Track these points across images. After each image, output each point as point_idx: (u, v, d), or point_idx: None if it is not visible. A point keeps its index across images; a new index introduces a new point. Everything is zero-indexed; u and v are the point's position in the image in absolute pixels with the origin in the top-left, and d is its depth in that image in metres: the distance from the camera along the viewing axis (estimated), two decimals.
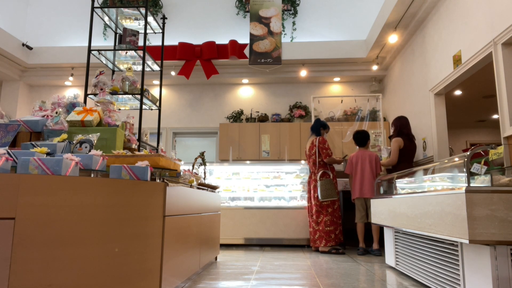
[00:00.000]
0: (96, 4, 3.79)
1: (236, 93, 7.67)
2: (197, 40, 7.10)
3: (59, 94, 3.56)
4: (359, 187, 4.82)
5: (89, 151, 2.08)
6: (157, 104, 3.97)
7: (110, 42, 7.29)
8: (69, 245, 1.59)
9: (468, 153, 2.12)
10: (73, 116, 2.61)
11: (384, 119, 6.99)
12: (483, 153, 2.45)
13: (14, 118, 3.51)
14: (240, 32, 7.21)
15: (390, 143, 4.90)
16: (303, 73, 6.97)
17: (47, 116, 2.50)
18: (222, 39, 7.08)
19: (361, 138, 5.01)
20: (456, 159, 2.31)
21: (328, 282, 3.02)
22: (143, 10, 3.67)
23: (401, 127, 4.79)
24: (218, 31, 7.26)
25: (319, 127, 5.19)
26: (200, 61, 6.89)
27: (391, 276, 3.31)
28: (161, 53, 4.37)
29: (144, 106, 3.78)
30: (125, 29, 3.65)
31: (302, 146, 6.90)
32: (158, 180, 2.34)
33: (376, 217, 3.76)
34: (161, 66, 4.17)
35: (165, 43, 6.66)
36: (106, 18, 3.82)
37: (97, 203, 1.73)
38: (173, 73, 7.06)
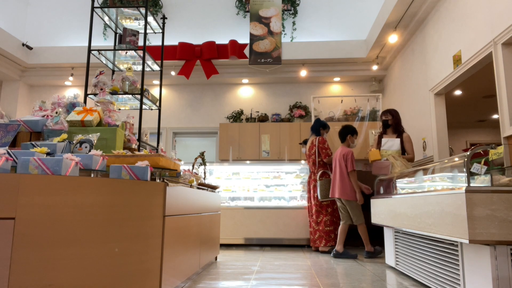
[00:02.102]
0: (96, 4, 3.79)
1: (236, 93, 7.67)
2: (197, 40, 7.10)
3: (59, 94, 3.56)
4: (332, 186, 4.68)
5: (89, 151, 2.08)
6: (157, 104, 3.97)
7: (110, 42, 7.29)
8: (69, 245, 1.59)
9: (468, 153, 2.12)
10: (73, 116, 2.61)
11: None
12: (483, 153, 2.45)
13: (14, 118, 3.50)
14: (240, 32, 7.20)
15: (381, 133, 4.66)
16: (303, 73, 6.97)
17: (47, 116, 2.50)
18: (222, 39, 7.08)
19: (340, 133, 4.72)
20: (456, 159, 2.31)
21: (328, 282, 3.01)
22: (143, 10, 3.67)
23: (400, 121, 4.51)
24: (218, 31, 7.26)
25: (319, 127, 5.19)
26: (200, 61, 6.88)
27: (391, 276, 3.31)
28: (161, 53, 4.37)
29: (144, 106, 3.78)
30: (125, 29, 3.65)
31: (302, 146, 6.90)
32: (158, 180, 2.34)
33: (376, 217, 3.76)
34: (161, 66, 4.17)
35: (165, 43, 6.66)
36: (106, 18, 3.82)
37: (97, 203, 1.73)
38: (173, 73, 7.06)
